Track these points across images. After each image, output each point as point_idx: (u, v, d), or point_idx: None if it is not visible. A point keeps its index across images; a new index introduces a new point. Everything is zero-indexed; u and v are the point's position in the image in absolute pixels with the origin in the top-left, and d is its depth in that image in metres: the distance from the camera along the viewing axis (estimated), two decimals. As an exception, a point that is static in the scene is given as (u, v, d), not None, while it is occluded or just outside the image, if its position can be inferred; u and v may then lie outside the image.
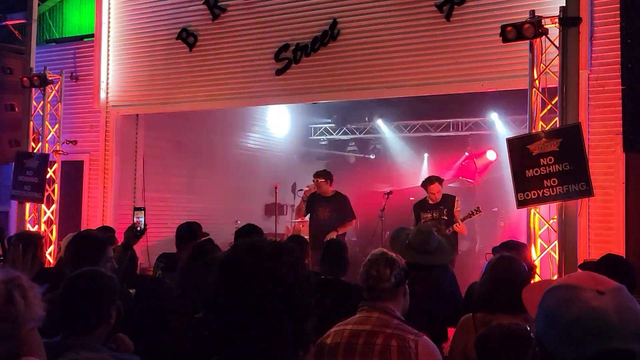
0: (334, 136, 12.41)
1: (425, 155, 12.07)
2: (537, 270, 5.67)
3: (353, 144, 12.99)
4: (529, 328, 2.33)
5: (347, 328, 2.89)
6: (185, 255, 4.01)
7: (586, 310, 1.31)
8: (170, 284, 3.86)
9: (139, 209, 4.67)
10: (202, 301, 1.54)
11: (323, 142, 12.85)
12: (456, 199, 8.15)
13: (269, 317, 1.44)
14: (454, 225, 7.82)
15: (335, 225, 8.18)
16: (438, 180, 8.12)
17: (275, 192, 9.67)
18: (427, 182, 8.13)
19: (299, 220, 10.23)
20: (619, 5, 5.77)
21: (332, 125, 12.26)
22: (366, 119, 11.90)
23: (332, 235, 7.76)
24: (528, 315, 2.87)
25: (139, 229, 4.36)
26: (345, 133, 12.45)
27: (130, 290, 3.99)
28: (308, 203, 8.55)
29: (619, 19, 5.80)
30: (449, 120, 11.08)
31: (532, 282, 4.23)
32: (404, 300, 3.03)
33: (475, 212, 8.05)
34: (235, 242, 1.63)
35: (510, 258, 3.44)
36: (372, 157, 13.04)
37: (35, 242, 4.66)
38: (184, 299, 3.36)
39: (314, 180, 8.45)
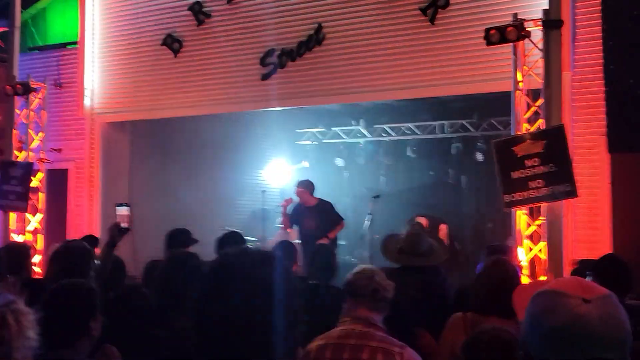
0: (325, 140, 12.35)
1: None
2: (525, 271, 5.70)
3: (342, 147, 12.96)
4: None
5: (330, 342, 2.82)
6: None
7: (570, 318, 1.32)
8: (146, 292, 3.82)
9: (122, 204, 4.31)
10: (189, 310, 1.52)
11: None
12: (441, 226, 8.21)
13: (259, 324, 1.43)
14: None
15: (325, 232, 8.16)
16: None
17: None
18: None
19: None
20: (600, 7, 5.82)
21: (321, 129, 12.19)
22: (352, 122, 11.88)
23: (324, 241, 7.73)
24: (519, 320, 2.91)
25: (123, 225, 4.15)
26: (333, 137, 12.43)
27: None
28: (292, 215, 8.55)
29: (600, 20, 5.85)
30: (435, 122, 11.10)
31: (519, 284, 4.25)
32: (383, 309, 2.97)
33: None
34: (223, 249, 1.61)
35: (506, 262, 3.45)
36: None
37: (24, 254, 4.61)
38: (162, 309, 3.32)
39: (295, 192, 8.46)
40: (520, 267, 5.38)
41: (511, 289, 3.30)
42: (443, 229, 8.17)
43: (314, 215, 8.34)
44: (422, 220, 8.04)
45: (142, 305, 3.47)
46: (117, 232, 4.13)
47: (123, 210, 4.19)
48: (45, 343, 2.52)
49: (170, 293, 3.12)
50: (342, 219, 8.47)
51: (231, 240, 4.81)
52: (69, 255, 3.52)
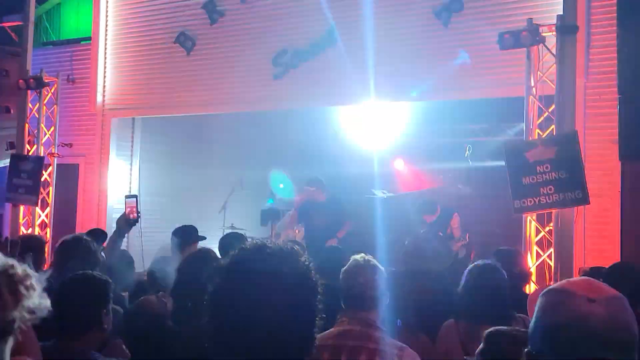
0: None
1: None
2: (533, 278, 5.66)
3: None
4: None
5: (327, 343, 2.74)
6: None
7: (572, 316, 1.30)
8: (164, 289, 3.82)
9: (131, 196, 4.32)
10: (205, 306, 1.49)
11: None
12: (454, 215, 8.13)
13: (280, 321, 1.41)
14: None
15: (334, 231, 8.15)
16: (431, 212, 8.07)
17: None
18: (425, 213, 8.10)
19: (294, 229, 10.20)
20: (615, 14, 5.78)
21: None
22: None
23: (333, 242, 7.73)
24: (514, 325, 2.86)
25: (131, 217, 4.13)
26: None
27: (123, 294, 3.95)
28: (301, 212, 8.53)
29: (615, 27, 5.81)
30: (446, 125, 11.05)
31: (525, 288, 4.23)
32: (381, 309, 2.90)
33: (462, 240, 8.00)
34: (242, 246, 1.58)
35: (493, 268, 3.40)
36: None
37: (39, 246, 4.61)
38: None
39: (305, 190, 8.45)
40: (530, 273, 5.34)
41: (499, 294, 3.26)
42: (456, 218, 8.11)
43: (324, 211, 8.32)
44: (437, 209, 8.01)
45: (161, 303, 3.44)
46: (125, 223, 4.12)
47: (132, 202, 4.16)
48: (57, 332, 2.53)
49: (192, 292, 3.09)
50: (349, 218, 8.45)
51: (234, 243, 4.77)
52: (75, 248, 3.51)
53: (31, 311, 1.24)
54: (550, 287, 1.42)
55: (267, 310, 1.41)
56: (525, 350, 1.39)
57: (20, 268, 1.25)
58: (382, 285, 2.86)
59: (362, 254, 2.99)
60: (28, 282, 1.24)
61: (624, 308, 1.32)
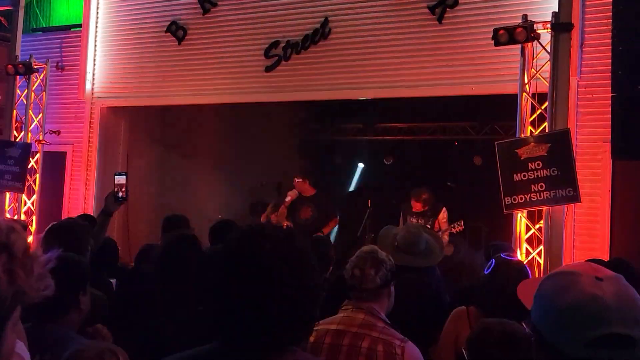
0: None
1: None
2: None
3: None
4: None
5: (330, 328, 2.76)
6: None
7: (584, 296, 1.30)
8: (149, 274, 3.77)
9: (121, 173, 4.25)
10: (204, 288, 1.48)
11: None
12: (443, 209, 8.14)
13: (281, 302, 1.40)
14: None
15: (319, 226, 8.15)
16: (423, 199, 8.05)
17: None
18: (413, 196, 8.09)
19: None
20: (610, 12, 5.78)
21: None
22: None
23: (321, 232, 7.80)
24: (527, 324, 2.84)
25: (120, 195, 4.07)
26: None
27: (112, 280, 3.90)
28: (289, 207, 8.53)
29: (609, 26, 5.80)
30: (437, 123, 11.07)
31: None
32: (388, 301, 2.93)
33: (456, 225, 8.00)
34: (240, 227, 1.56)
35: (520, 266, 3.38)
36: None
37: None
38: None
39: (293, 181, 8.49)
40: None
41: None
42: (444, 213, 8.12)
43: (311, 205, 8.36)
44: (425, 195, 8.01)
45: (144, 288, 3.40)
46: (113, 201, 4.06)
47: (121, 179, 4.11)
48: (35, 314, 2.48)
49: (176, 276, 3.05)
50: (336, 214, 8.44)
51: (225, 230, 4.73)
52: (66, 231, 3.46)
53: (37, 289, 1.19)
54: (550, 274, 1.43)
55: (267, 290, 1.39)
56: (533, 339, 1.37)
57: (19, 240, 1.19)
58: (388, 277, 2.86)
59: (371, 245, 3.01)
60: (28, 261, 1.18)
61: (628, 286, 1.34)
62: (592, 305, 1.28)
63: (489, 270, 3.33)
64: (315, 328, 2.68)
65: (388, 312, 2.94)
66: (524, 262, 5.80)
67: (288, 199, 8.49)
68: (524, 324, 2.57)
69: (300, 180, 8.41)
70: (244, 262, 1.43)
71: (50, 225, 3.66)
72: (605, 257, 6.04)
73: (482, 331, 2.23)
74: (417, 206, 8.04)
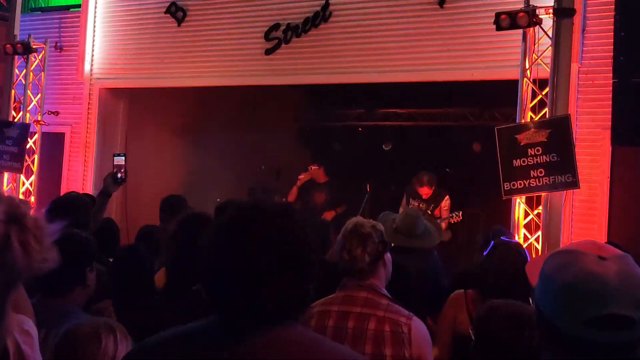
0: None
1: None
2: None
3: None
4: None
5: (332, 309, 2.65)
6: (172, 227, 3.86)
7: (584, 274, 1.28)
8: (147, 252, 3.76)
9: (120, 154, 4.24)
10: (201, 264, 1.47)
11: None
12: (446, 197, 8.13)
13: (278, 278, 1.39)
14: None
15: (326, 209, 8.45)
16: (428, 183, 8.03)
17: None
18: (418, 183, 8.08)
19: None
20: (612, -1, 5.76)
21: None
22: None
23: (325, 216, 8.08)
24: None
25: (119, 175, 4.06)
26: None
27: (111, 260, 3.90)
28: (301, 189, 8.72)
29: (611, 12, 5.76)
30: (436, 109, 11.04)
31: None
32: (385, 270, 2.80)
33: (454, 216, 7.99)
34: (238, 202, 1.56)
35: (518, 248, 3.38)
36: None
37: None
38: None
39: (308, 169, 8.72)
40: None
41: (521, 276, 3.24)
42: (447, 200, 8.12)
43: (324, 191, 8.63)
44: (429, 179, 8.01)
45: (143, 266, 3.39)
46: (112, 182, 4.04)
47: (120, 160, 4.09)
48: (41, 290, 2.49)
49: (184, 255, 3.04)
50: (345, 204, 8.60)
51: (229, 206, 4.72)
52: (70, 205, 3.46)
53: (42, 261, 1.19)
54: (557, 250, 1.41)
55: (261, 264, 1.39)
56: (535, 316, 1.37)
57: (29, 215, 1.19)
58: (379, 249, 2.74)
59: (353, 220, 2.83)
60: (40, 232, 1.18)
61: (634, 266, 1.31)
62: (591, 284, 1.26)
63: (487, 252, 3.35)
64: (316, 309, 2.64)
65: (388, 280, 2.84)
66: (522, 248, 5.86)
67: (301, 177, 8.71)
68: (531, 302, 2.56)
69: (316, 167, 8.68)
70: (238, 235, 1.43)
71: (53, 199, 3.65)
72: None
73: (490, 310, 2.22)
74: (422, 191, 8.03)
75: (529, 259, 3.38)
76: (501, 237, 3.55)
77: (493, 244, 3.38)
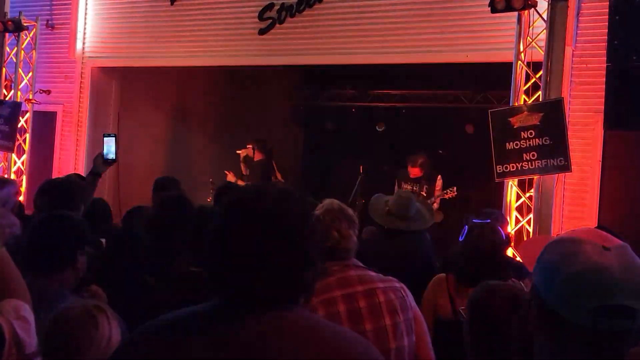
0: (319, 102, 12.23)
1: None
2: (512, 243, 5.71)
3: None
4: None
5: (335, 295, 2.56)
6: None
7: (589, 265, 1.29)
8: (141, 234, 3.76)
9: (110, 135, 4.16)
10: (201, 248, 1.47)
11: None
12: (439, 177, 8.13)
13: (278, 263, 1.40)
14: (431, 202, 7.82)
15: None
16: (421, 166, 8.00)
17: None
18: (411, 162, 8.05)
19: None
20: (608, -19, 5.74)
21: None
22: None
23: None
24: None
25: (109, 156, 4.00)
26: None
27: (102, 240, 3.90)
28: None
29: (606, -5, 5.78)
30: (430, 91, 11.03)
31: (506, 252, 4.25)
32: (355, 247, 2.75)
33: (449, 191, 7.99)
34: (238, 187, 1.56)
35: (493, 228, 3.40)
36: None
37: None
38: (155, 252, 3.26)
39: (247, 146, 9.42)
40: (511, 238, 5.38)
41: (497, 257, 3.27)
42: (439, 181, 8.12)
43: (253, 170, 9.07)
44: (422, 160, 8.00)
45: (137, 248, 3.39)
46: (102, 162, 4.01)
47: (110, 141, 4.04)
48: (31, 270, 2.48)
49: (164, 236, 3.06)
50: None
51: (228, 191, 4.74)
52: (58, 188, 3.45)
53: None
54: (556, 239, 1.41)
55: (267, 248, 1.39)
56: (532, 302, 1.37)
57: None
58: (356, 230, 2.74)
59: (331, 200, 2.77)
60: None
61: (633, 255, 1.33)
62: (598, 276, 1.28)
63: (463, 237, 3.38)
64: (317, 300, 2.49)
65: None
66: (513, 230, 5.90)
67: (239, 152, 9.55)
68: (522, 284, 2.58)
69: (250, 146, 9.33)
70: (241, 218, 1.43)
71: (43, 181, 3.63)
72: (593, 226, 6.10)
73: (485, 291, 2.22)
74: (414, 171, 7.99)
75: (504, 237, 3.41)
76: (473, 220, 3.57)
77: (467, 228, 3.41)
